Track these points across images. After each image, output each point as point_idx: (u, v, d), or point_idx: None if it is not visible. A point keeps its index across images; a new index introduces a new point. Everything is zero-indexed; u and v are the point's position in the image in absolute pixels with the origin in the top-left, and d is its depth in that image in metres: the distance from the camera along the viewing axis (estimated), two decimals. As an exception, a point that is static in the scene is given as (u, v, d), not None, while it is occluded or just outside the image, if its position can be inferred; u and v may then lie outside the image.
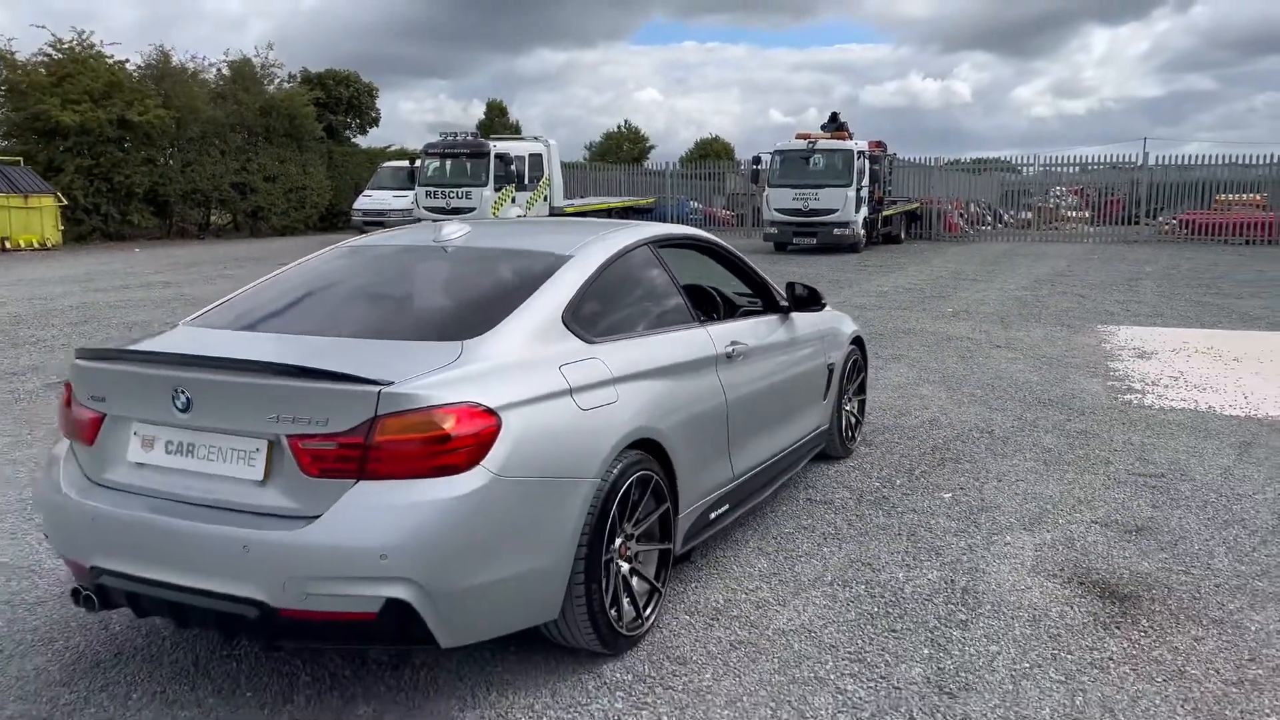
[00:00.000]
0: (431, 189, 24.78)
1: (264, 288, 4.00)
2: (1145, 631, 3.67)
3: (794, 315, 5.15)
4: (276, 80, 34.33)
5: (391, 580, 2.79)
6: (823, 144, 23.72)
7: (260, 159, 32.67)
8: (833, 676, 3.36)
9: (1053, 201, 35.56)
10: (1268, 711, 3.12)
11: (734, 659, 3.49)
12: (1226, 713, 3.11)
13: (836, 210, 22.68)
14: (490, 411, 2.97)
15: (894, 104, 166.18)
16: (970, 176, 32.93)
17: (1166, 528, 4.77)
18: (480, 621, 3.02)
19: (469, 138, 25.77)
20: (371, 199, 27.96)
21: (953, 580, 4.15)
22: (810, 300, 5.19)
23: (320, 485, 2.87)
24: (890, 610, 3.87)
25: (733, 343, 4.38)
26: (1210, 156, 29.78)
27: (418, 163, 25.78)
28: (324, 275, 4.06)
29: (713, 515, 4.18)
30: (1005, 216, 33.82)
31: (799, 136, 24.34)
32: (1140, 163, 29.60)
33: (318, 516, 2.84)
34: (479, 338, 3.23)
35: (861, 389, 6.28)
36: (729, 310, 5.01)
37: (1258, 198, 28.66)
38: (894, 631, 3.69)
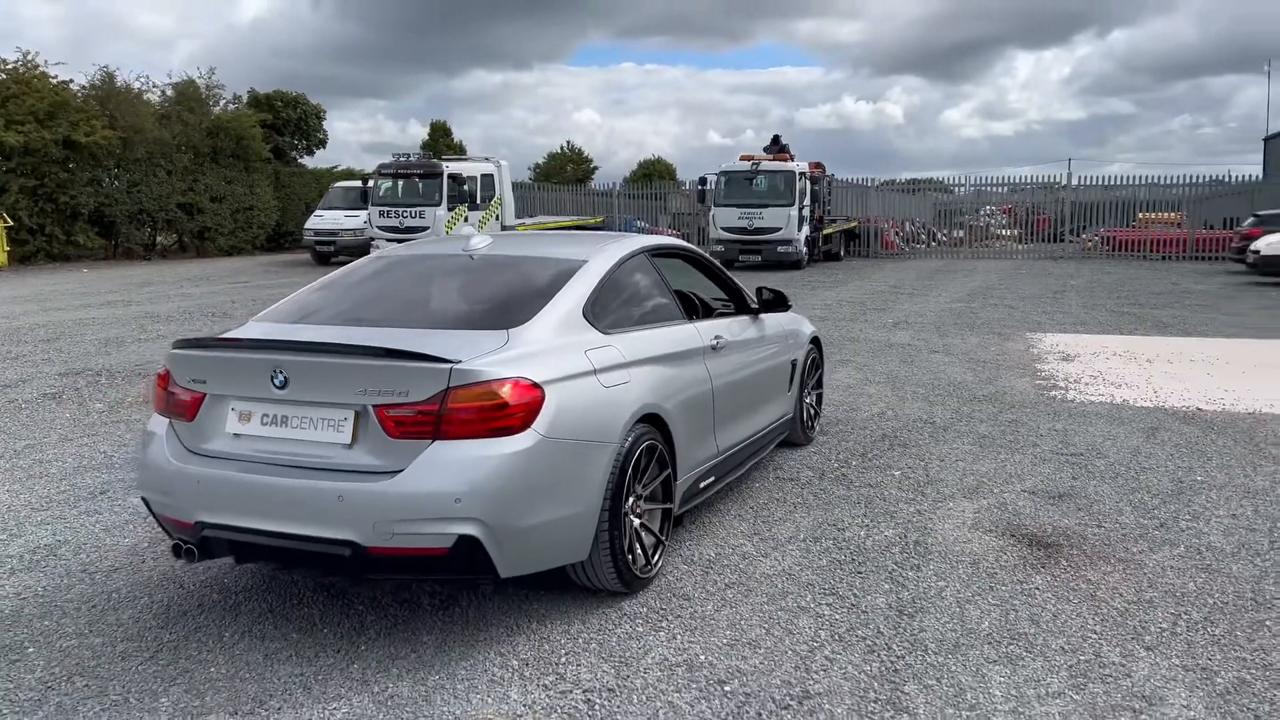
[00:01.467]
0: (385, 209, 25.21)
1: (318, 291, 4.62)
2: (1065, 569, 4.44)
3: (763, 316, 5.89)
4: (222, 102, 34.50)
5: (463, 520, 3.44)
6: (766, 165, 24.72)
7: (207, 179, 32.74)
8: (812, 606, 4.07)
9: (984, 220, 37.13)
10: (1160, 620, 3.89)
11: (729, 595, 4.18)
12: (1129, 622, 3.88)
13: (780, 229, 23.65)
14: (536, 385, 3.64)
15: (828, 126, 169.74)
16: (905, 196, 34.31)
17: (1084, 494, 5.58)
18: (530, 556, 3.67)
19: (421, 158, 26.28)
20: (323, 219, 28.24)
21: (905, 536, 4.89)
22: (777, 303, 5.93)
23: (401, 445, 3.51)
24: (855, 559, 4.59)
25: (716, 336, 5.10)
26: (1132, 177, 31.57)
27: (370, 183, 26.19)
28: (371, 279, 4.69)
29: (702, 484, 4.87)
30: (939, 235, 35.26)
31: (743, 158, 25.32)
32: (1066, 183, 31.13)
33: (400, 470, 3.48)
34: (520, 327, 3.90)
35: (819, 384, 7.04)
36: (708, 310, 5.73)
37: (1174, 216, 30.44)
38: (860, 573, 4.42)
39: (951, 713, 3.21)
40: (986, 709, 3.23)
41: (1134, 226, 30.13)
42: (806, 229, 24.68)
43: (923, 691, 3.34)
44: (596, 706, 3.27)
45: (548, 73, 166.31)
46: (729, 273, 5.87)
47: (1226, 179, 33.10)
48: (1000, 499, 5.50)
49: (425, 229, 24.57)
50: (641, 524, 4.22)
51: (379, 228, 25.15)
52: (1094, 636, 3.76)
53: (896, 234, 32.20)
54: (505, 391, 3.55)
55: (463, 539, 3.46)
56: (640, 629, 3.86)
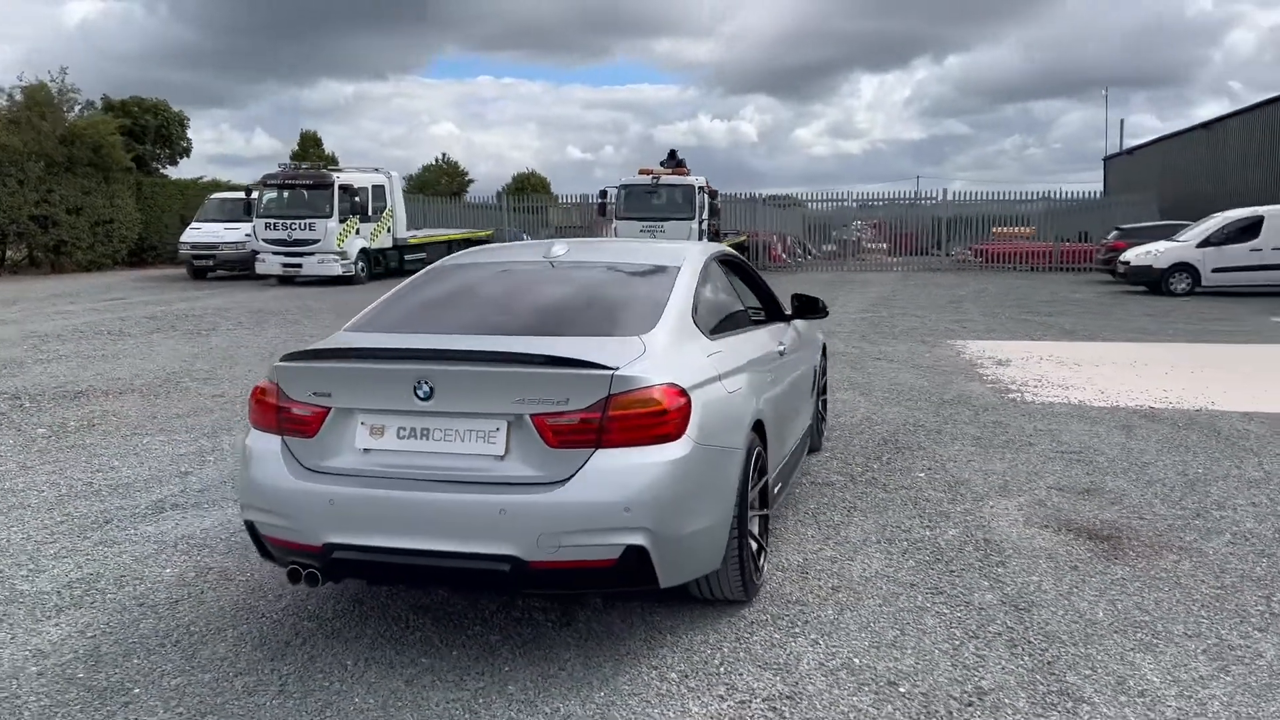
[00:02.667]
0: (271, 221, 24.25)
1: (410, 299, 4.40)
2: (1135, 560, 4.65)
3: (795, 322, 5.95)
4: (77, 107, 32.45)
5: (632, 530, 3.35)
6: (666, 179, 25.00)
7: (62, 190, 30.67)
8: (928, 605, 4.13)
9: (854, 235, 38.48)
10: (1254, 603, 4.12)
11: (841, 599, 4.20)
12: (1226, 606, 4.10)
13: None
14: (685, 391, 3.58)
15: (686, 142, 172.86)
16: (779, 211, 35.19)
17: (1106, 489, 5.86)
18: (684, 566, 3.60)
19: (310, 169, 25.42)
20: (200, 232, 26.88)
21: (971, 535, 5.02)
22: (808, 309, 5.95)
23: (560, 455, 3.39)
24: (938, 558, 4.69)
25: (780, 342, 5.13)
26: (991, 193, 33.26)
27: (254, 194, 25.13)
28: (465, 287, 4.51)
29: (775, 490, 4.88)
30: (811, 249, 36.28)
31: (642, 172, 25.53)
32: (940, 198, 32.63)
33: (563, 480, 3.36)
34: (648, 334, 3.83)
35: (824, 390, 7.16)
36: (754, 316, 5.75)
37: (1028, 230, 32.37)
38: (952, 572, 4.51)
39: (1125, 700, 3.31)
40: (1155, 695, 3.35)
41: (994, 240, 31.83)
42: (705, 242, 25.02)
43: (1086, 682, 3.44)
44: (786, 714, 3.24)
45: (403, 84, 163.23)
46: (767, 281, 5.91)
47: (1075, 196, 35.47)
48: (1034, 496, 5.72)
49: (315, 241, 23.80)
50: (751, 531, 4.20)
51: (265, 241, 24.20)
52: (1205, 622, 3.95)
53: (782, 248, 33.02)
54: (663, 398, 3.48)
55: (630, 549, 3.37)
56: (777, 636, 3.84)
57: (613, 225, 25.08)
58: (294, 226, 24.02)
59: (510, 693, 3.41)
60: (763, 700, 3.33)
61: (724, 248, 5.49)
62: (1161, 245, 21.28)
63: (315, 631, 3.95)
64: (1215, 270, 20.38)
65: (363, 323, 4.23)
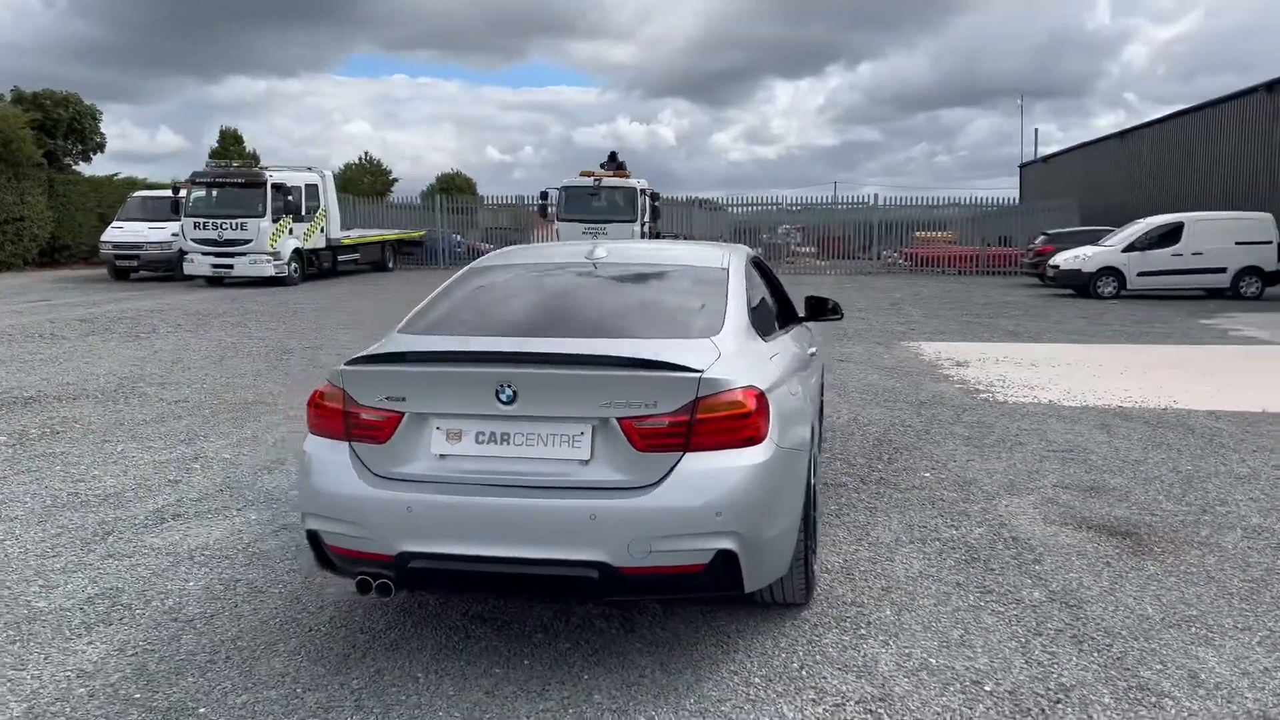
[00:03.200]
0: (200, 220, 23.49)
1: (458, 301, 4.28)
2: (1163, 556, 4.78)
3: (807, 324, 5.98)
4: (-17, 99, 31.02)
5: (722, 534, 3.32)
6: (608, 181, 24.95)
7: (-31, 186, 29.29)
8: (982, 604, 4.19)
9: (782, 239, 38.93)
10: (1284, 595, 4.27)
11: (896, 599, 4.23)
12: (1263, 598, 4.24)
13: (624, 243, 23.89)
14: (763, 393, 3.56)
15: (605, 145, 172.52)
16: (711, 214, 35.43)
17: (1109, 486, 6.02)
18: (767, 569, 3.57)
19: (241, 166, 24.70)
20: (123, 231, 25.85)
21: (998, 533, 5.11)
22: (820, 311, 5.96)
23: (647, 459, 3.34)
24: (974, 557, 4.75)
25: (809, 344, 5.14)
26: (921, 198, 34.08)
27: (181, 192, 24.31)
28: (511, 288, 4.40)
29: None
30: (744, 251, 36.53)
31: (583, 174, 25.44)
32: (872, 203, 33.23)
33: (651, 485, 3.31)
34: (717, 336, 3.79)
35: (822, 390, 7.21)
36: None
37: (949, 234, 33.17)
38: (993, 570, 4.58)
39: (1204, 693, 3.40)
40: (1230, 687, 3.44)
41: (916, 244, 32.55)
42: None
43: (1161, 676, 3.52)
44: (882, 716, 3.24)
45: (315, 82, 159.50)
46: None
47: (994, 202, 36.44)
48: (1043, 495, 5.84)
49: (247, 241, 23.15)
50: (805, 533, 4.20)
51: (193, 240, 23.43)
52: (1250, 615, 4.08)
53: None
54: (747, 400, 3.45)
55: (720, 554, 3.33)
56: (846, 638, 3.85)
57: (554, 227, 24.94)
58: (225, 226, 23.30)
59: (598, 702, 3.34)
60: (855, 703, 3.32)
61: (750, 250, 5.49)
62: (1089, 250, 22.02)
63: (371, 644, 3.82)
64: (1140, 274, 21.16)
65: (419, 325, 4.09)
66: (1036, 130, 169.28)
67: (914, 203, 34.08)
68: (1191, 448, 7.03)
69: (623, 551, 3.27)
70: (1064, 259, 22.17)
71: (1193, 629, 3.92)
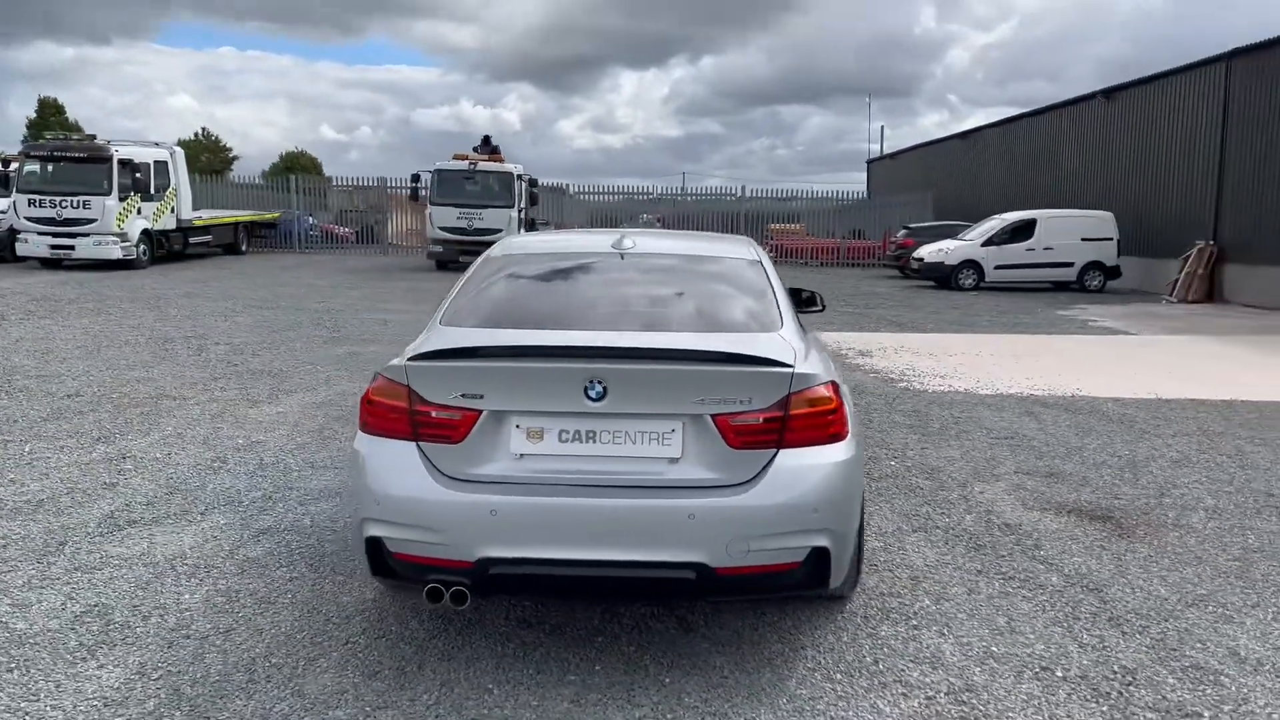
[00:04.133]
0: (36, 197, 21.66)
1: (494, 291, 4.04)
2: (1147, 538, 5.04)
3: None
4: None
5: (817, 531, 3.28)
6: (484, 165, 24.41)
7: None
8: (1010, 590, 4.30)
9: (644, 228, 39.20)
10: (1270, 573, 4.57)
11: (928, 588, 4.29)
12: (1254, 574, 4.52)
13: (501, 230, 23.45)
14: (839, 388, 3.54)
15: (447, 128, 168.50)
16: (571, 201, 35.22)
17: (1065, 472, 6.31)
18: (846, 564, 3.54)
19: (83, 139, 22.91)
20: (-59, 207, 23.57)
21: (987, 520, 5.26)
22: (808, 304, 5.96)
23: (741, 456, 3.26)
24: (979, 544, 4.88)
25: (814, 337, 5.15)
26: (784, 190, 34.90)
27: (13, 166, 22.36)
28: (549, 279, 4.17)
29: None
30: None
31: (456, 157, 24.80)
32: (741, 194, 33.79)
33: (745, 483, 3.24)
34: (782, 330, 3.74)
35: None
36: None
37: (799, 226, 34.06)
38: (1000, 557, 4.71)
39: (1251, 668, 3.59)
40: (1274, 662, 3.64)
41: (770, 236, 33.16)
42: (523, 231, 24.72)
43: (1208, 655, 3.69)
44: (975, 706, 3.28)
45: (132, 50, 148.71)
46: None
47: (846, 196, 37.82)
48: (1011, 481, 6.07)
49: (91, 221, 21.53)
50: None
51: (28, 219, 21.60)
52: (1250, 590, 4.34)
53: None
54: (832, 395, 3.42)
55: (814, 551, 3.29)
56: (900, 629, 3.87)
57: (426, 211, 24.25)
58: (65, 204, 21.57)
59: (691, 705, 3.25)
60: (945, 695, 3.35)
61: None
62: (951, 244, 23.11)
63: (420, 655, 3.59)
64: (997, 267, 22.35)
65: (466, 317, 3.83)
66: (883, 127, 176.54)
67: (785, 195, 34.84)
68: (1118, 434, 7.45)
69: (721, 552, 3.18)
70: (927, 252, 23.18)
71: (1209, 608, 4.14)
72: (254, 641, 3.68)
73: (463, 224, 23.54)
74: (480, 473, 3.28)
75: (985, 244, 22.48)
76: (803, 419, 3.31)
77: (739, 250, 4.52)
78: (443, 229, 23.68)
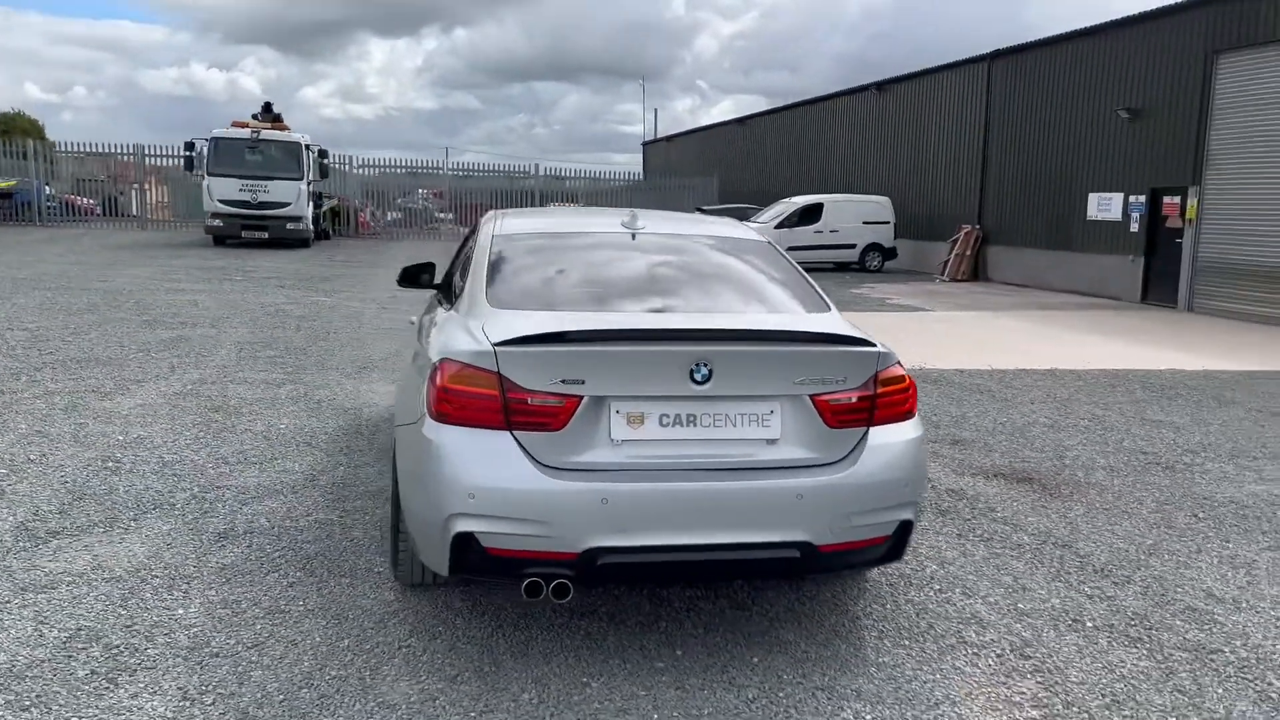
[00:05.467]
0: None
1: (537, 275, 3.85)
2: (1076, 497, 5.52)
3: None
4: None
5: (906, 505, 3.39)
6: (268, 134, 22.85)
7: None
8: (996, 551, 4.61)
9: (421, 204, 38.04)
10: (1187, 522, 5.14)
11: (925, 552, 4.52)
12: (1175, 524, 5.07)
13: (289, 204, 22.15)
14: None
15: (177, 92, 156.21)
16: (352, 176, 33.67)
17: (967, 439, 6.79)
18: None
19: None
20: None
21: (934, 487, 5.58)
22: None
23: (836, 435, 3.31)
24: (942, 509, 5.18)
25: None
26: (576, 170, 34.93)
27: None
28: (589, 262, 4.00)
29: None
30: (377, 215, 34.93)
31: (236, 124, 23.07)
32: (534, 172, 33.44)
33: (840, 460, 3.30)
34: (831, 310, 3.80)
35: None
36: None
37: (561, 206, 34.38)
38: (965, 520, 5.03)
39: (1231, 607, 4.03)
40: (1248, 601, 4.12)
41: None
42: (312, 205, 23.41)
43: (1192, 596, 4.12)
44: (1041, 659, 3.50)
45: None
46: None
47: (621, 176, 38.34)
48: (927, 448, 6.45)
49: None
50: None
51: None
52: (1183, 538, 4.86)
53: (372, 214, 31.81)
54: (905, 373, 3.53)
55: (901, 524, 3.41)
56: (928, 594, 4.07)
57: (204, 183, 22.41)
58: None
59: (792, 680, 3.28)
60: (1012, 652, 3.55)
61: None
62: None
63: (491, 656, 3.40)
64: (790, 249, 23.39)
65: (520, 299, 3.60)
66: (656, 111, 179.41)
67: (575, 175, 34.78)
68: (983, 402, 8.09)
69: (824, 529, 3.23)
70: (724, 233, 24.02)
71: (1166, 557, 4.61)
72: (295, 654, 3.35)
73: (245, 197, 21.96)
74: (582, 460, 3.15)
75: (778, 226, 23.55)
76: (887, 397, 3.41)
77: (743, 231, 4.55)
78: (223, 202, 21.98)
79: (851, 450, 3.33)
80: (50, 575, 3.93)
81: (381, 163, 34.00)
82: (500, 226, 4.30)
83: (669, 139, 47.38)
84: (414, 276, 5.06)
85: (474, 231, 4.57)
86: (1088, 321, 14.90)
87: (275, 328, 10.78)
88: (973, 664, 3.46)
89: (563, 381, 3.13)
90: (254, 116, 24.02)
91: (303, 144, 23.08)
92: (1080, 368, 10.09)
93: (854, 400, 3.34)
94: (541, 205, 33.10)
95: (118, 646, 3.37)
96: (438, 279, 5.01)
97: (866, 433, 3.37)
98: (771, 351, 3.29)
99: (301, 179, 22.59)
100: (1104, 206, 19.11)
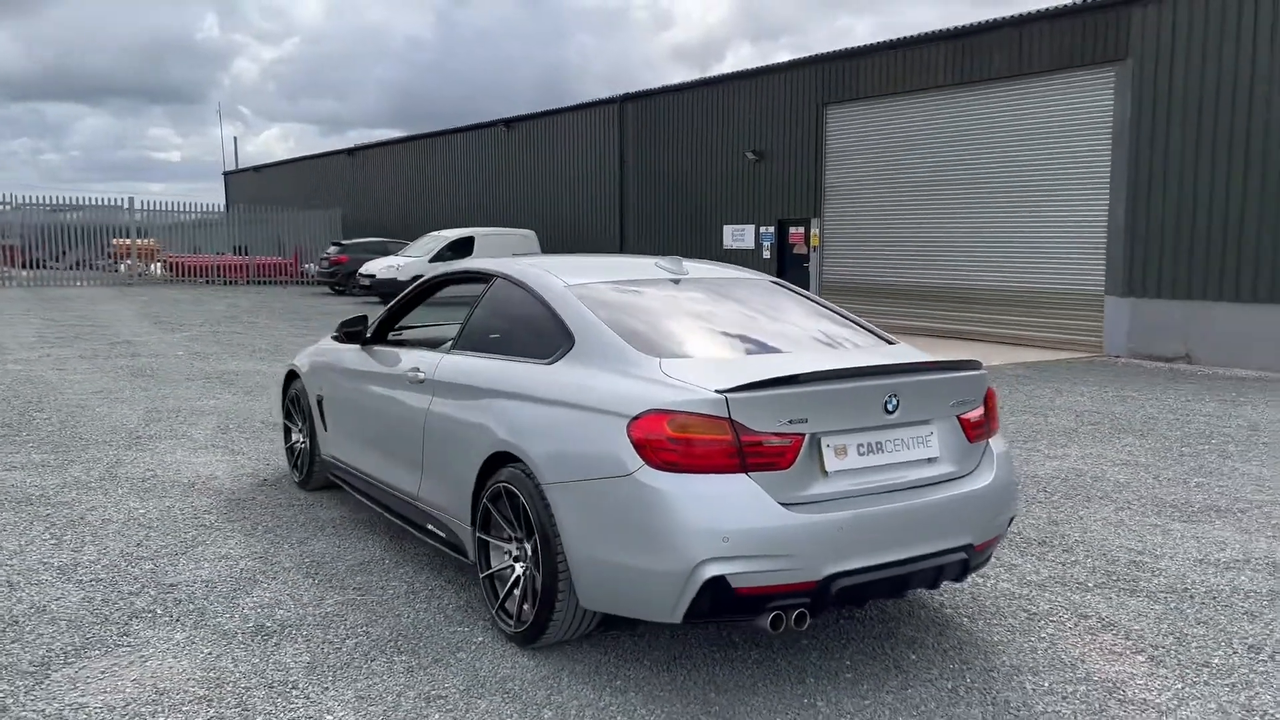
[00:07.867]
0: None
1: (665, 325, 3.97)
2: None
3: None
4: None
5: (1015, 501, 3.97)
6: None
7: None
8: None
9: None
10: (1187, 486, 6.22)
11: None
12: (1165, 498, 6.11)
13: None
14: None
15: None
16: None
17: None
18: None
19: None
20: None
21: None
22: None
23: (971, 448, 3.81)
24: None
25: None
26: (178, 204, 31.45)
27: None
28: (687, 308, 4.22)
29: None
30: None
31: None
32: (127, 206, 29.73)
33: (974, 470, 3.80)
34: (897, 340, 4.27)
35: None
36: None
37: (152, 243, 30.88)
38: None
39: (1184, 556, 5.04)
40: (1243, 546, 5.15)
41: (116, 250, 29.46)
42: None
43: (1226, 546, 5.07)
44: (1090, 623, 4.18)
45: None
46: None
47: (201, 208, 34.76)
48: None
49: None
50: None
51: None
52: (1117, 509, 5.90)
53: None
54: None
55: (1009, 520, 3.94)
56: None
57: None
58: None
59: (908, 694, 3.64)
60: (1073, 625, 4.19)
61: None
62: (400, 260, 23.61)
63: (572, 673, 3.39)
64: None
65: (685, 348, 3.78)
66: (236, 139, 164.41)
67: (174, 208, 31.32)
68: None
69: (980, 531, 3.72)
70: (379, 268, 23.46)
71: (1170, 526, 5.55)
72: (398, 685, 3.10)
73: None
74: (808, 494, 3.36)
75: (433, 260, 23.37)
76: (991, 412, 3.94)
77: (750, 272, 4.89)
78: None
79: (981, 459, 3.82)
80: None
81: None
82: (553, 279, 4.22)
83: (257, 169, 44.78)
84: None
85: (486, 283, 4.52)
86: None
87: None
88: (1059, 633, 4.05)
89: (790, 421, 3.31)
90: None
91: None
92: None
93: (980, 416, 3.83)
94: (140, 238, 29.83)
95: (180, 701, 2.89)
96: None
97: (987, 445, 3.87)
98: (937, 379, 3.69)
99: None
100: (738, 237, 21.41)
